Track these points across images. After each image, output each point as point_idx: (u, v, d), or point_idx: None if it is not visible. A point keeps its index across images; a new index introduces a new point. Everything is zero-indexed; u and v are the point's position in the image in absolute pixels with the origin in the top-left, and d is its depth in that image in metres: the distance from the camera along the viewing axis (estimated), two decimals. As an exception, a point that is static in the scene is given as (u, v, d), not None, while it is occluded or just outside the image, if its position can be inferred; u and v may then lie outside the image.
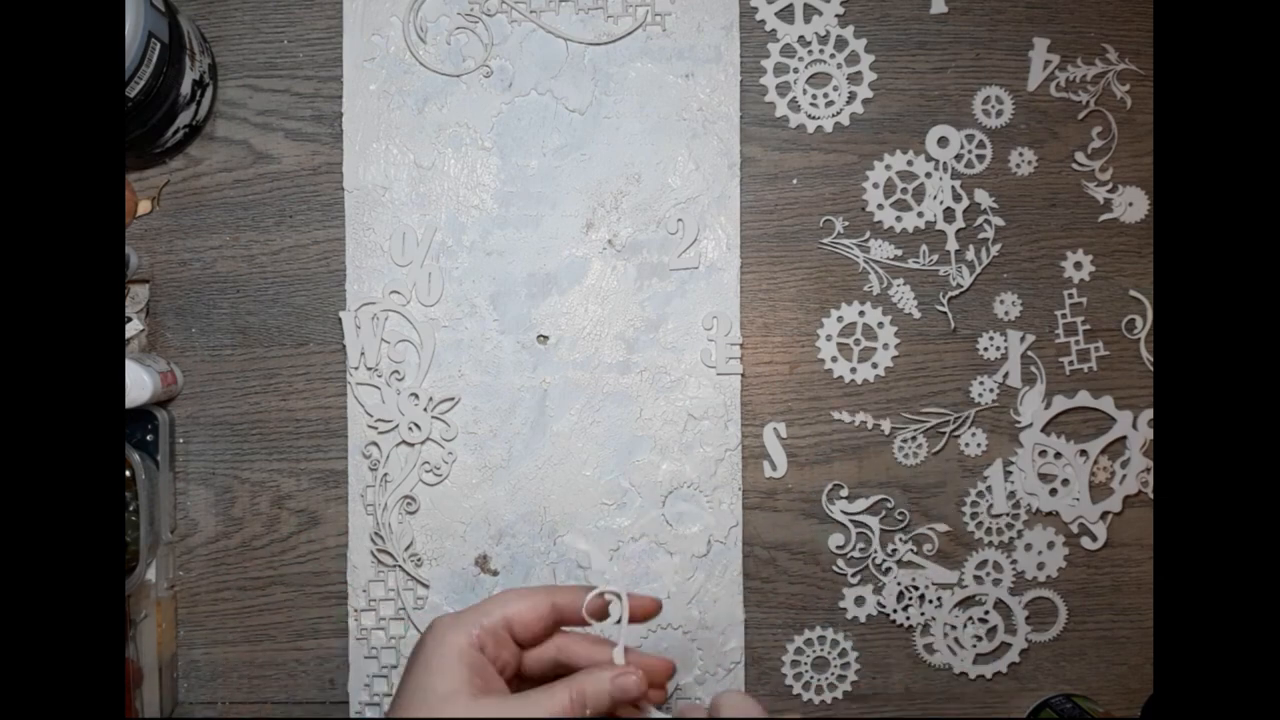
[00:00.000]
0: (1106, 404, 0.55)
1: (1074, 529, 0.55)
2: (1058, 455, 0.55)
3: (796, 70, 0.54)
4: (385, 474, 0.53)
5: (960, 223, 0.54)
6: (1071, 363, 0.55)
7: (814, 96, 0.55)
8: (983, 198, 0.54)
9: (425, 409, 0.53)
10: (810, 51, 0.54)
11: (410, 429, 0.53)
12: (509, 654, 0.40)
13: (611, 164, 0.54)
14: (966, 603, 0.55)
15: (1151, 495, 0.55)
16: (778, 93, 0.54)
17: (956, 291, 0.54)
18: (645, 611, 0.41)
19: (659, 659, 0.41)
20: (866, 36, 0.54)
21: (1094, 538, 0.55)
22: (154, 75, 0.47)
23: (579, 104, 0.54)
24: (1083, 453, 0.55)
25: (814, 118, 0.54)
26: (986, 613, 0.55)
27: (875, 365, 0.54)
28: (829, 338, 0.54)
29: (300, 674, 0.55)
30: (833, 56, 0.54)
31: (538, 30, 0.54)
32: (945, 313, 0.54)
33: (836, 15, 0.54)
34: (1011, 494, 0.55)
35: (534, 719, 0.37)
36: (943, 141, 0.55)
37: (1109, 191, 0.55)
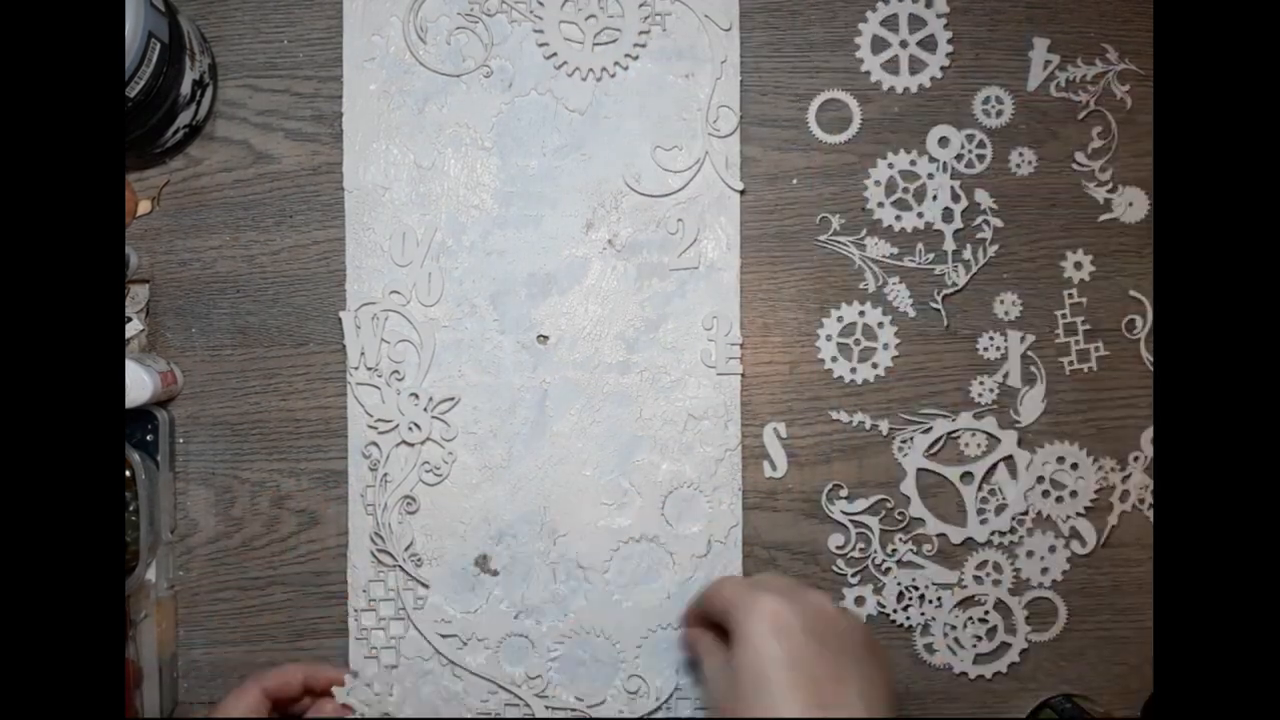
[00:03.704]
0: (1106, 404, 0.55)
1: (1072, 530, 0.55)
2: (1059, 457, 0.55)
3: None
4: (385, 474, 0.53)
5: (959, 223, 0.54)
6: (1071, 363, 0.55)
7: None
8: (983, 198, 0.54)
9: (425, 409, 0.53)
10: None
11: (410, 429, 0.53)
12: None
13: (611, 164, 0.54)
14: (966, 603, 0.55)
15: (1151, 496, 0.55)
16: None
17: (951, 290, 0.54)
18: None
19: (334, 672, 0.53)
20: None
21: (1092, 538, 0.55)
22: (154, 75, 0.47)
23: (579, 104, 0.54)
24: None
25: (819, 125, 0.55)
26: (986, 613, 0.55)
27: (875, 365, 0.54)
28: (829, 338, 0.54)
29: (300, 674, 0.55)
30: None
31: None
32: (939, 309, 0.54)
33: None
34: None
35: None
36: (943, 141, 0.55)
37: (1109, 191, 0.55)
